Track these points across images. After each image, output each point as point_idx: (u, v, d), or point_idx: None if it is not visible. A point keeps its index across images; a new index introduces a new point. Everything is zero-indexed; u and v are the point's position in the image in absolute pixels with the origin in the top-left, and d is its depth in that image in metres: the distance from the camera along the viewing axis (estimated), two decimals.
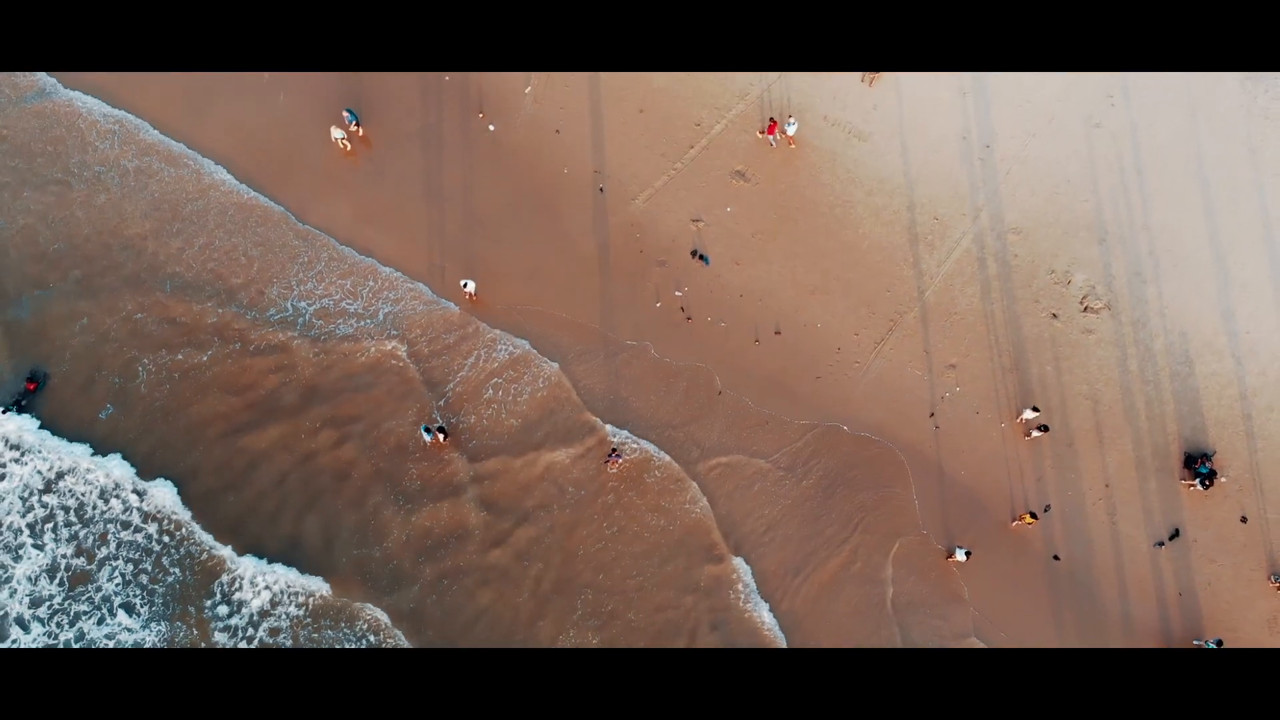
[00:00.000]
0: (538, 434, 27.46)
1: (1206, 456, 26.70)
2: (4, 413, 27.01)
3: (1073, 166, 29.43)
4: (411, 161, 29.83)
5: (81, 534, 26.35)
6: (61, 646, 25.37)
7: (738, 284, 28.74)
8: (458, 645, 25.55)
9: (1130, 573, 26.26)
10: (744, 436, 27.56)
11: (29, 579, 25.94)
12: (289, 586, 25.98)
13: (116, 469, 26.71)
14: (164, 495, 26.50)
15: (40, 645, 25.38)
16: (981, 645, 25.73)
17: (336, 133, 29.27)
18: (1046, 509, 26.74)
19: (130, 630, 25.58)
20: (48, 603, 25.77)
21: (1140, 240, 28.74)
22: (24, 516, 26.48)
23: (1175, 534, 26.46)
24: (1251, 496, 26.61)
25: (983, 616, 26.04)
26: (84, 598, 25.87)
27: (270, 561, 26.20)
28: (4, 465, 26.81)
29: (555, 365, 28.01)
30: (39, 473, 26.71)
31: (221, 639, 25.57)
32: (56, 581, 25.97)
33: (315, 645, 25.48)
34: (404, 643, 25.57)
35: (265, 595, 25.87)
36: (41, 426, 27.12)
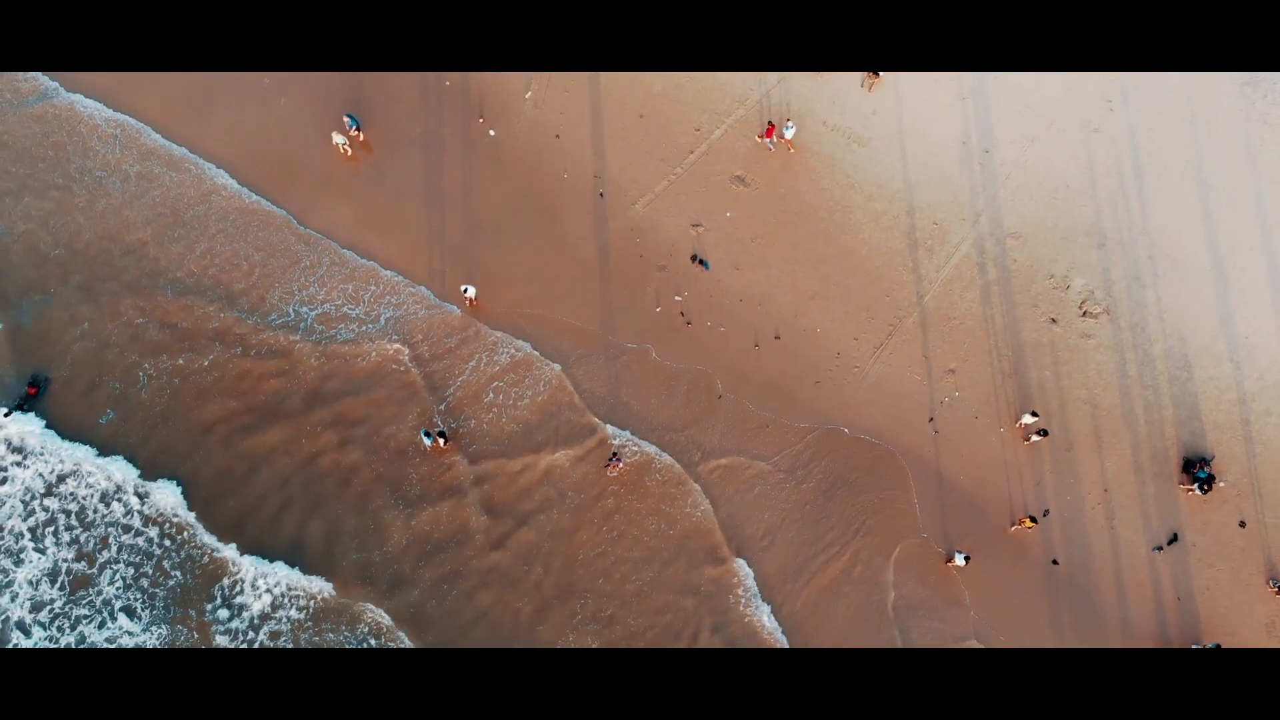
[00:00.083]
0: (539, 435, 27.51)
1: (1205, 461, 26.77)
2: (6, 415, 27.05)
3: (1072, 171, 29.52)
4: (412, 166, 29.91)
5: (82, 538, 26.39)
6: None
7: (737, 289, 28.81)
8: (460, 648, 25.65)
9: (1129, 577, 26.33)
10: (744, 439, 27.63)
11: (30, 583, 25.98)
12: (290, 589, 26.02)
13: (119, 470, 26.76)
14: (167, 497, 26.53)
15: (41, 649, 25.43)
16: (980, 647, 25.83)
17: (337, 138, 29.35)
18: (1045, 514, 26.81)
19: (131, 634, 25.62)
20: (48, 607, 25.81)
21: (1139, 245, 28.83)
22: (25, 520, 26.53)
23: (1174, 539, 26.54)
24: (1250, 501, 26.69)
25: (982, 620, 26.11)
26: (84, 601, 25.91)
27: (272, 561, 26.24)
28: (5, 469, 26.86)
29: (557, 367, 28.08)
30: (40, 475, 26.76)
31: (223, 642, 25.61)
32: (57, 585, 26.01)
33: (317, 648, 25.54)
34: (407, 645, 25.61)
35: (266, 598, 25.92)
36: (48, 426, 27.17)
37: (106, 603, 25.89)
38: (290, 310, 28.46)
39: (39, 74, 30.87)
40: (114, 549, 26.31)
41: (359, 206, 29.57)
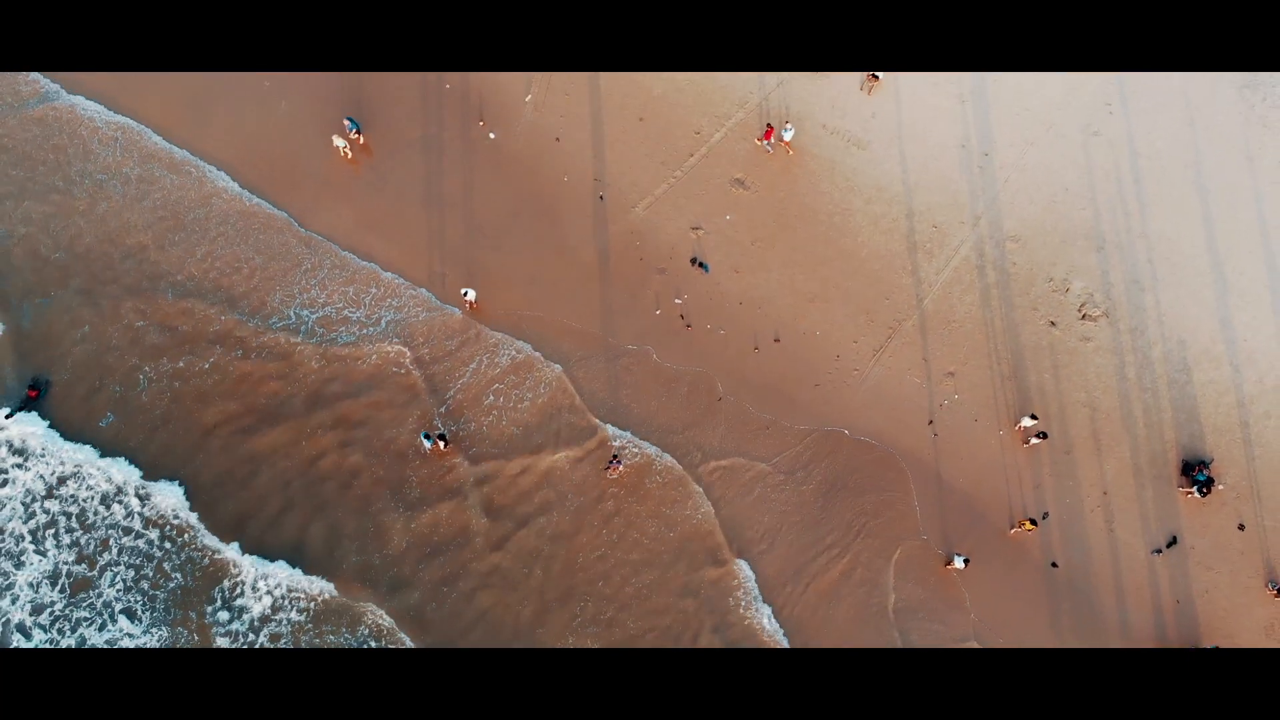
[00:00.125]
0: (540, 437, 27.54)
1: (1204, 464, 26.81)
2: (8, 416, 27.08)
3: (1071, 174, 29.56)
4: (412, 169, 29.94)
5: (83, 540, 26.42)
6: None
7: (737, 292, 28.85)
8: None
9: (1128, 580, 26.37)
10: (745, 441, 27.67)
11: (31, 585, 26.01)
12: (291, 591, 26.06)
13: (120, 472, 26.78)
14: (169, 498, 26.56)
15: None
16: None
17: (338, 140, 29.39)
18: (1045, 516, 26.85)
19: (131, 636, 25.64)
20: (49, 609, 25.84)
21: (1138, 248, 28.87)
22: (26, 523, 26.56)
23: (1173, 541, 26.57)
24: (1249, 504, 26.72)
25: (982, 623, 26.14)
26: (85, 604, 25.94)
27: (273, 561, 26.28)
28: (5, 471, 26.90)
29: (558, 368, 28.12)
30: (41, 477, 26.80)
31: (223, 644, 25.64)
32: (58, 588, 26.04)
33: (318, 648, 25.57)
34: (409, 646, 25.66)
35: (267, 600, 25.95)
36: (51, 426, 27.19)
37: (107, 605, 25.93)
38: (291, 313, 28.50)
39: (40, 76, 30.90)
40: (114, 551, 26.34)
41: (359, 209, 29.60)
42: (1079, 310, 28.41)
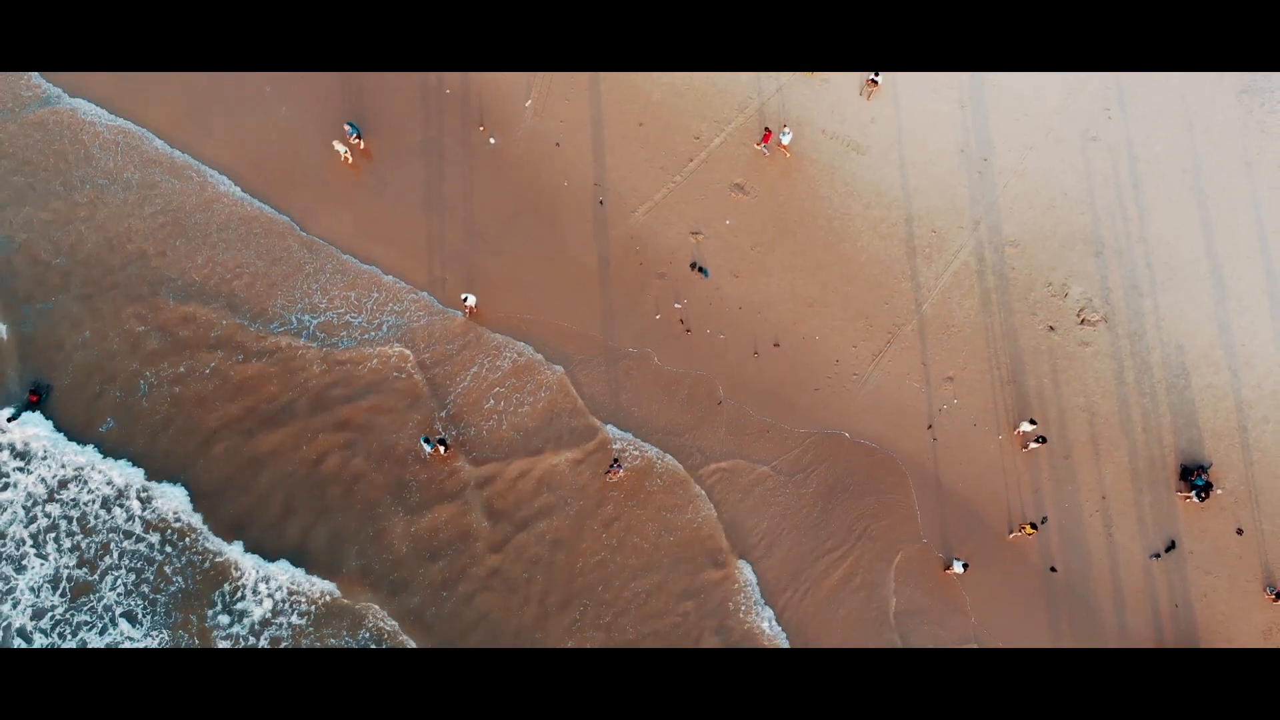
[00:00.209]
0: (541, 439, 27.58)
1: (1202, 468, 26.87)
2: (11, 419, 27.11)
3: (1070, 179, 29.63)
4: (413, 173, 30.00)
5: (84, 544, 26.46)
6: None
7: (736, 296, 28.91)
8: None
9: (1127, 584, 26.43)
10: (745, 443, 27.72)
11: (31, 589, 26.05)
12: (292, 594, 26.11)
13: (121, 475, 26.81)
14: (171, 500, 26.60)
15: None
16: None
17: (339, 145, 29.43)
18: (1043, 521, 26.92)
19: (132, 640, 25.68)
20: (50, 613, 25.88)
21: (1137, 253, 28.93)
22: (27, 527, 26.61)
23: (1171, 546, 26.64)
24: (1247, 508, 26.79)
25: (982, 626, 26.20)
26: (86, 608, 25.98)
27: (274, 562, 26.33)
28: (7, 475, 26.94)
29: (559, 369, 28.17)
30: (43, 480, 26.84)
31: (225, 646, 25.68)
32: (59, 592, 26.08)
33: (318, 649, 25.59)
34: (411, 646, 25.73)
35: (268, 603, 25.99)
36: (56, 428, 27.22)
37: (107, 609, 25.97)
38: (293, 317, 28.54)
39: (41, 80, 30.93)
40: (115, 555, 26.38)
41: (360, 214, 29.65)
42: (1078, 315, 28.48)
